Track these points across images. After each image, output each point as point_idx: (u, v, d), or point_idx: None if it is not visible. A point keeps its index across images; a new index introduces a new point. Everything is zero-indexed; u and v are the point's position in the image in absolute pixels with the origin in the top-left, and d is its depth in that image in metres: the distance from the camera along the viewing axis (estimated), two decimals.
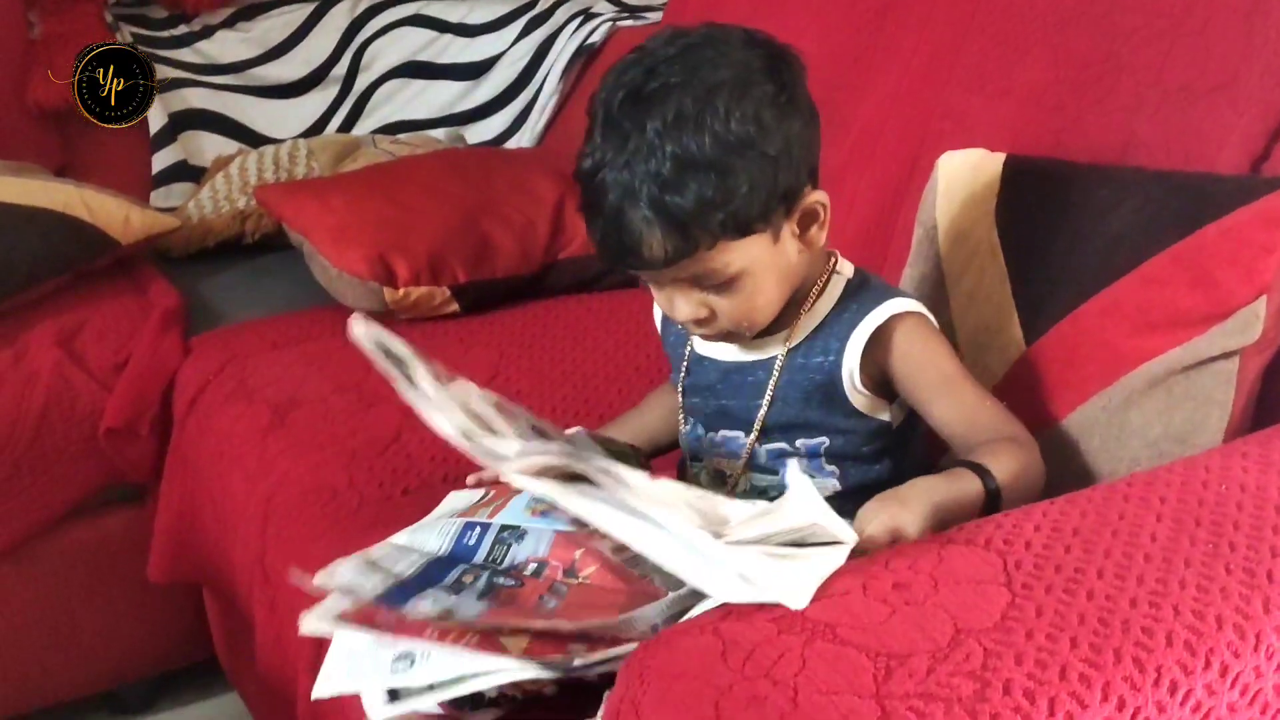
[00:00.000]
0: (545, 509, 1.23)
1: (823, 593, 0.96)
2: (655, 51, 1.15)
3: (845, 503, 1.21)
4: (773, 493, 1.25)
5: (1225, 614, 0.93)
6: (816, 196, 1.20)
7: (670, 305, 1.20)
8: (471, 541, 1.21)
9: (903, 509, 1.05)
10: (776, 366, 1.24)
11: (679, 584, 1.03)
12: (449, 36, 2.78)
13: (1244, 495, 1.07)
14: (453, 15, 2.79)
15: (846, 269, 1.27)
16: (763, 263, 1.17)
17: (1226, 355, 1.20)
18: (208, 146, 2.57)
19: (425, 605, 1.06)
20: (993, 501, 1.11)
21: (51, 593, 1.98)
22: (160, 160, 2.51)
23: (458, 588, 1.11)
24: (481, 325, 1.96)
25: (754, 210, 1.13)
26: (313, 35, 2.74)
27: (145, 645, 2.07)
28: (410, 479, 1.57)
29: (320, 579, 1.09)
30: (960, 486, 1.11)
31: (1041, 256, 1.34)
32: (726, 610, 0.95)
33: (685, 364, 1.33)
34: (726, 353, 1.28)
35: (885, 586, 0.96)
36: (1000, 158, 1.43)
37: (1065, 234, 1.33)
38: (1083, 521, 1.04)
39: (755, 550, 0.96)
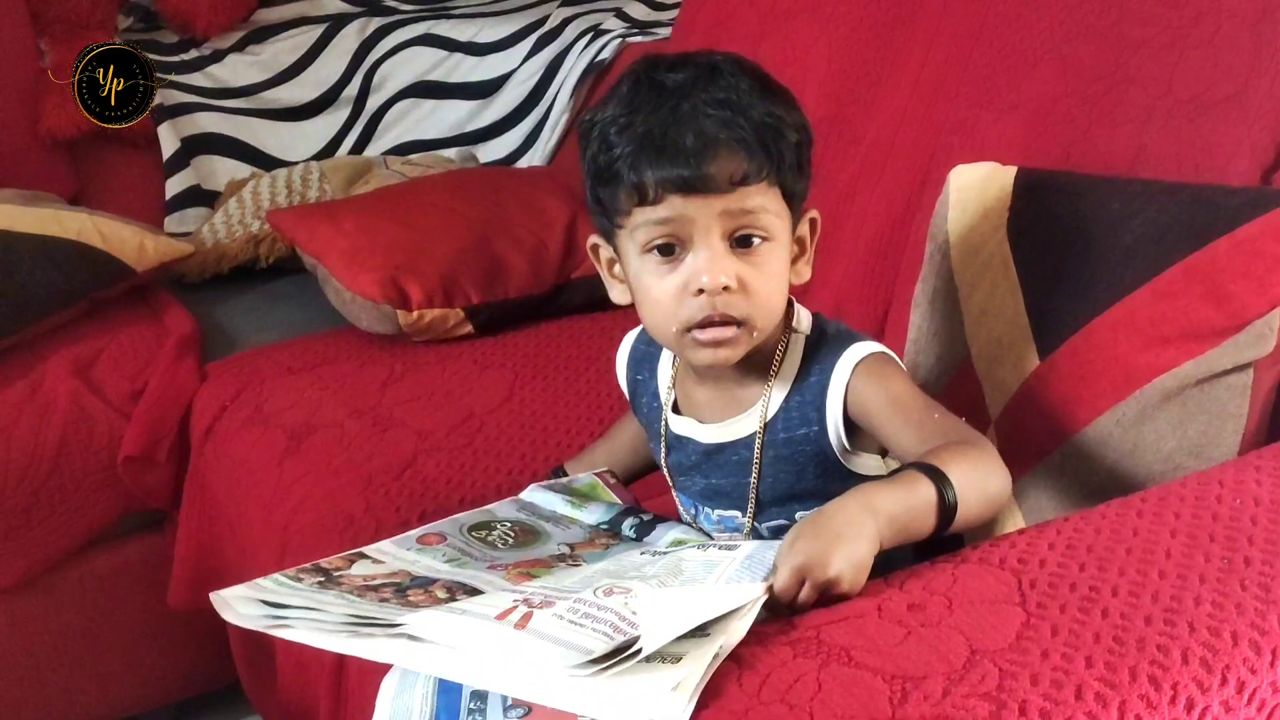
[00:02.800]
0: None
1: (838, 615, 0.97)
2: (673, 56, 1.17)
3: None
4: None
5: (1241, 630, 0.93)
6: (815, 214, 1.20)
7: (696, 265, 1.12)
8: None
9: (812, 541, 1.00)
10: (757, 445, 1.20)
11: None
12: (459, 56, 2.78)
13: (1258, 509, 1.06)
14: (463, 34, 2.79)
15: (804, 324, 1.22)
16: (783, 245, 1.15)
17: (1240, 368, 1.20)
18: (220, 170, 2.58)
19: None
20: (947, 505, 1.04)
21: (73, 621, 1.99)
22: (173, 185, 2.52)
23: (480, 701, 1.05)
24: (495, 346, 1.96)
25: (802, 182, 1.15)
26: (323, 57, 2.75)
27: (167, 672, 2.08)
28: (426, 503, 1.57)
29: None
30: (910, 492, 1.04)
31: (1054, 270, 1.33)
32: (746, 633, 0.96)
33: (664, 443, 1.28)
34: (705, 434, 1.24)
35: (900, 608, 0.96)
36: (1011, 171, 1.43)
37: (1077, 247, 1.32)
38: (1097, 539, 1.04)
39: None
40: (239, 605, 1.08)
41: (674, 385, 1.28)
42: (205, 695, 2.13)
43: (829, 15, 1.85)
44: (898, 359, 1.21)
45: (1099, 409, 1.26)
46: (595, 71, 2.64)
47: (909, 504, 1.03)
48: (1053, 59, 1.50)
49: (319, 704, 1.46)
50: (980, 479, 1.07)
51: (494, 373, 1.87)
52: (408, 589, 1.11)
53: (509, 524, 1.26)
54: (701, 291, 1.12)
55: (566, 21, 2.75)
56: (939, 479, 1.04)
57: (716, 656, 0.93)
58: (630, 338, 1.35)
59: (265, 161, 2.61)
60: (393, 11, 2.83)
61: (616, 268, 1.21)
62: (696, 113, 1.09)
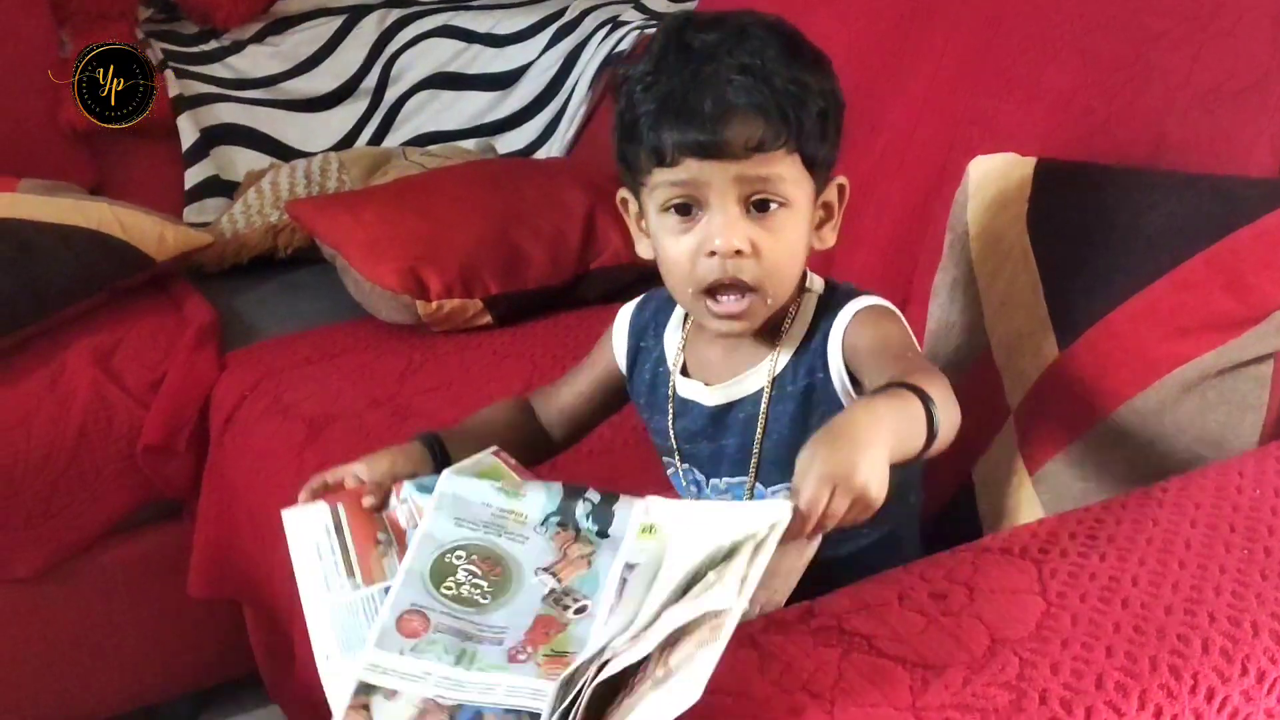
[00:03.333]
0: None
1: (860, 603, 0.97)
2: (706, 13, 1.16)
3: (862, 538, 1.21)
4: None
5: (1261, 620, 0.93)
6: (843, 180, 1.20)
7: (710, 228, 1.12)
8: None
9: (833, 452, 0.92)
10: (765, 398, 1.20)
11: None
12: (478, 47, 2.79)
13: (1279, 499, 1.06)
14: (481, 25, 2.80)
15: (816, 285, 1.23)
16: (802, 212, 1.15)
17: (1261, 359, 1.19)
18: (239, 161, 2.59)
19: None
20: (933, 425, 1.00)
21: (92, 610, 1.99)
22: (193, 176, 2.53)
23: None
24: (514, 337, 1.96)
25: (826, 147, 1.14)
26: (342, 48, 2.75)
27: (186, 661, 2.09)
28: None
29: None
30: (907, 406, 1.00)
31: (1074, 261, 1.33)
32: (765, 622, 0.96)
33: (671, 408, 1.27)
34: (711, 396, 1.23)
35: (921, 597, 0.97)
36: (1031, 162, 1.43)
37: (1098, 238, 1.32)
38: (1117, 529, 1.04)
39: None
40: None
41: (683, 348, 1.27)
42: (224, 684, 2.14)
43: (848, 6, 1.84)
44: (900, 314, 1.20)
45: (1119, 399, 1.25)
46: (613, 63, 2.65)
47: (908, 416, 1.00)
48: (1072, 50, 1.50)
49: None
50: (951, 408, 1.05)
51: (512, 363, 1.88)
52: None
53: (463, 555, 1.11)
54: (715, 254, 1.12)
55: (585, 13, 2.75)
56: (925, 398, 1.01)
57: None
58: (628, 309, 1.34)
59: (284, 152, 2.62)
60: (412, 2, 2.84)
61: (644, 222, 1.22)
62: (718, 77, 1.09)
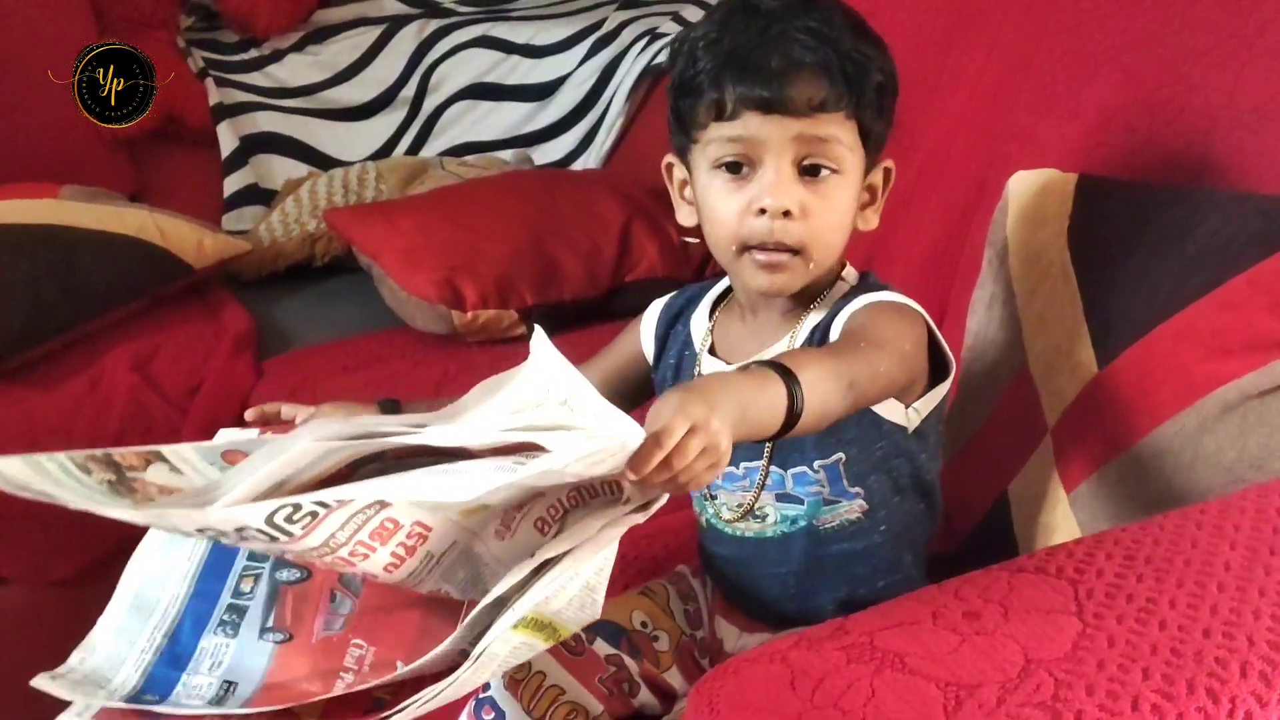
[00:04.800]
0: None
1: (892, 620, 0.96)
2: None
3: (875, 534, 1.21)
4: (802, 521, 1.21)
5: None
6: (889, 164, 1.20)
7: (761, 187, 1.13)
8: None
9: (694, 395, 0.89)
10: None
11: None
12: (516, 58, 2.80)
13: None
14: (520, 37, 2.81)
15: (851, 276, 1.24)
16: (853, 181, 1.15)
17: None
18: (278, 169, 2.61)
19: (195, 700, 0.94)
20: (791, 414, 0.96)
21: None
22: (231, 184, 2.55)
23: (234, 621, 0.98)
24: None
25: (882, 121, 1.15)
26: (381, 58, 2.77)
27: None
28: None
29: (46, 683, 0.96)
30: (761, 384, 0.96)
31: (1114, 278, 1.32)
32: (796, 639, 0.95)
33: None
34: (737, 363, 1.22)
35: (955, 615, 0.96)
36: (1072, 178, 1.42)
37: (1139, 256, 1.31)
38: (1155, 550, 1.03)
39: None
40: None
41: (712, 329, 1.27)
42: None
43: (887, 22, 1.82)
44: (920, 317, 1.17)
45: (1158, 419, 1.24)
46: (651, 75, 2.65)
47: (764, 397, 0.96)
48: (1114, 67, 1.49)
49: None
50: (827, 390, 1.00)
51: None
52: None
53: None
54: (764, 212, 1.13)
55: (623, 25, 2.76)
56: (790, 379, 0.97)
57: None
58: (662, 299, 1.34)
59: (322, 161, 2.64)
60: (451, 13, 2.85)
61: (687, 190, 1.22)
62: (785, 36, 1.10)
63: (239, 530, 0.81)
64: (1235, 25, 1.37)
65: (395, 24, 2.80)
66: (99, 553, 1.94)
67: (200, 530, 0.83)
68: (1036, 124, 1.56)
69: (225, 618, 0.99)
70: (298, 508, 0.79)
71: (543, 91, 2.79)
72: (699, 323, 1.29)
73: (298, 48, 2.74)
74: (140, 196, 2.40)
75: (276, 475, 0.80)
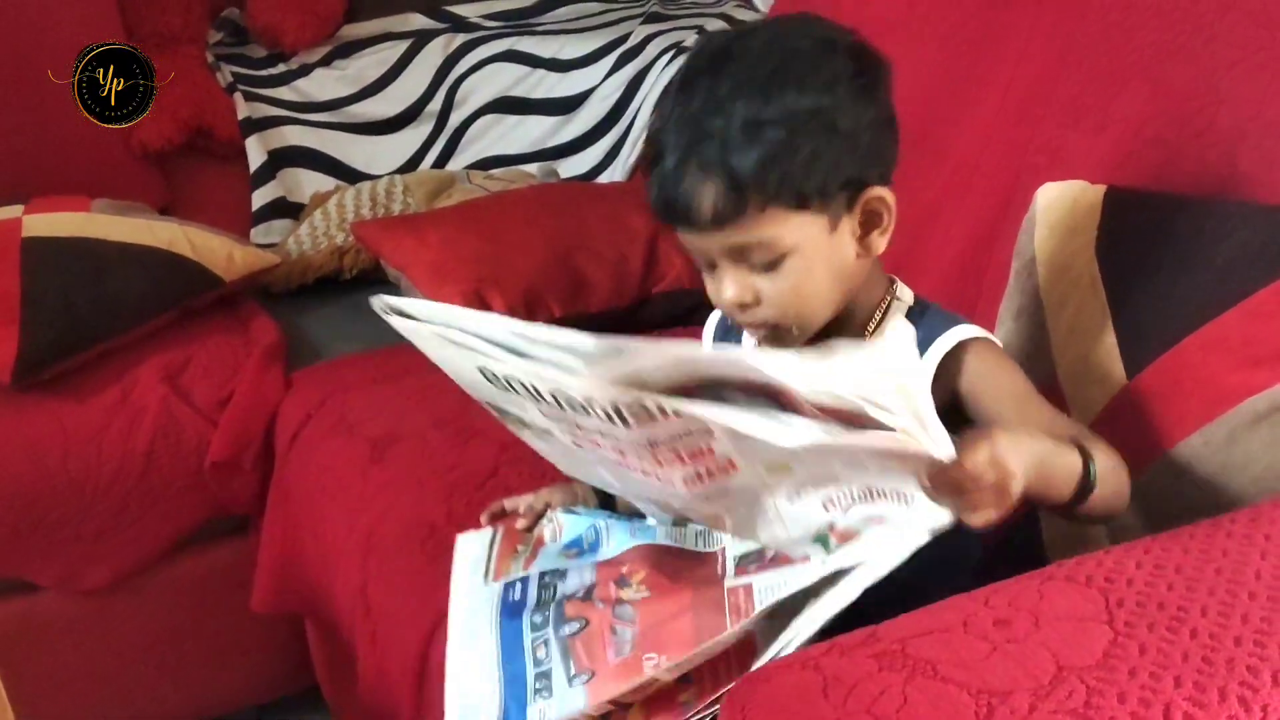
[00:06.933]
0: (578, 552, 1.25)
1: (923, 628, 0.96)
2: (745, 24, 1.15)
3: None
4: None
5: None
6: (882, 193, 1.15)
7: (718, 286, 1.16)
8: (516, 596, 1.23)
9: (1006, 436, 0.97)
10: None
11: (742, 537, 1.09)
12: (541, 72, 2.81)
13: None
14: (545, 51, 2.82)
15: (907, 295, 1.24)
16: (815, 248, 1.13)
17: None
18: (306, 183, 2.62)
19: None
20: (1085, 485, 1.06)
21: (159, 623, 2.02)
22: (260, 197, 2.56)
23: (546, 685, 1.13)
24: None
25: (812, 182, 1.10)
26: (408, 72, 2.78)
27: (249, 675, 2.11)
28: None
29: None
30: (1065, 454, 1.06)
31: (1143, 289, 1.32)
32: (828, 646, 0.96)
33: None
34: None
35: (986, 623, 0.96)
36: (1101, 189, 1.42)
37: (1168, 266, 1.31)
38: (1185, 558, 1.03)
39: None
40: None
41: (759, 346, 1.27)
42: (286, 697, 2.16)
43: (915, 33, 1.84)
44: (999, 343, 1.22)
45: (1188, 429, 1.24)
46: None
47: (1058, 461, 1.05)
48: (1143, 79, 1.49)
49: (400, 709, 1.48)
50: (1115, 486, 1.10)
51: None
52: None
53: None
54: None
55: (648, 39, 2.77)
56: (1086, 456, 1.06)
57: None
58: (718, 311, 1.35)
59: (350, 175, 2.65)
60: (476, 28, 2.86)
61: None
62: (696, 152, 1.10)
63: (586, 400, 0.95)
64: (1264, 37, 1.38)
65: (421, 38, 2.81)
66: (132, 562, 1.96)
67: (553, 395, 0.98)
68: (1065, 136, 1.56)
69: (538, 686, 1.13)
70: (644, 407, 0.93)
71: (568, 105, 2.80)
72: (749, 339, 1.30)
73: (325, 62, 2.75)
74: (170, 210, 2.41)
75: (639, 368, 0.92)
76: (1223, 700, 0.88)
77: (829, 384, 0.88)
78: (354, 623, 1.62)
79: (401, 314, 1.06)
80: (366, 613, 1.59)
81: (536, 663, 1.15)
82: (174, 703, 2.07)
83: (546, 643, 1.16)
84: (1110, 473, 1.09)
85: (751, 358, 0.91)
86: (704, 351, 0.93)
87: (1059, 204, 1.42)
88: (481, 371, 1.02)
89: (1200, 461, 1.24)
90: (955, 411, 1.20)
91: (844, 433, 0.90)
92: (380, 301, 1.08)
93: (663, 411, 0.93)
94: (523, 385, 1.00)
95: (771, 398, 0.92)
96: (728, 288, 1.15)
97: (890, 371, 0.89)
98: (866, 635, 0.97)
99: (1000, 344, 1.22)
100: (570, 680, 1.12)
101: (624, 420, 0.96)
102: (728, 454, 0.99)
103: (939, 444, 0.93)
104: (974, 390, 1.18)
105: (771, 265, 1.13)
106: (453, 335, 1.01)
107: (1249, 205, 1.31)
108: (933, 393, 1.15)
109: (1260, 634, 0.93)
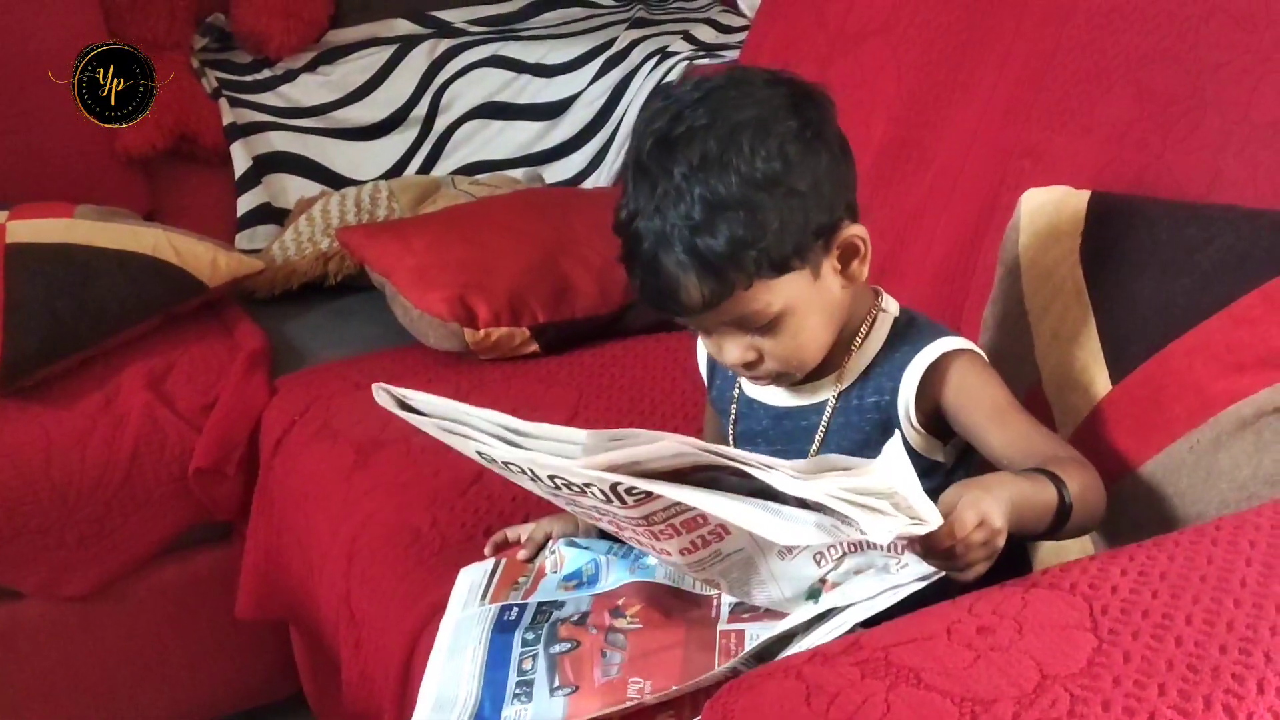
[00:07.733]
0: (577, 584, 1.27)
1: (906, 636, 0.96)
2: (680, 97, 1.16)
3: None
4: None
5: None
6: (855, 230, 1.19)
7: (719, 350, 1.20)
8: (512, 617, 1.24)
9: (987, 495, 1.01)
10: (829, 409, 1.24)
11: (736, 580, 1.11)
12: (527, 77, 2.80)
13: None
14: (530, 56, 2.81)
15: (892, 306, 1.27)
16: (805, 300, 1.17)
17: None
18: (291, 188, 2.61)
19: None
20: (1062, 513, 1.09)
21: (142, 630, 2.01)
22: (245, 203, 2.55)
23: (526, 691, 1.14)
24: (561, 365, 1.97)
25: (787, 247, 1.13)
26: (393, 78, 2.77)
27: (233, 681, 2.10)
28: (492, 519, 1.58)
29: None
30: (1039, 490, 1.08)
31: (1127, 295, 1.32)
32: (810, 654, 0.95)
33: (734, 408, 1.32)
34: (777, 397, 1.28)
35: (969, 631, 0.96)
36: (1085, 195, 1.42)
37: (1152, 272, 1.31)
38: (1170, 566, 1.02)
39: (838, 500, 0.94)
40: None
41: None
42: (269, 704, 2.15)
43: (899, 37, 1.84)
44: (983, 355, 1.24)
45: (1172, 435, 1.24)
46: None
47: (1035, 500, 1.07)
48: (1127, 83, 1.49)
49: (384, 715, 1.47)
50: (1091, 505, 1.12)
51: (559, 391, 1.88)
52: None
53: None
54: None
55: (634, 44, 2.76)
56: (1065, 507, 1.08)
57: None
58: None
59: (335, 180, 2.64)
60: (462, 33, 2.86)
61: None
62: (669, 242, 1.12)
63: (584, 484, 0.98)
64: (1250, 41, 1.38)
65: (406, 44, 2.80)
66: (115, 568, 1.95)
67: (551, 477, 1.00)
68: (1049, 140, 1.56)
69: (517, 691, 1.15)
70: (636, 489, 0.97)
71: (553, 110, 2.79)
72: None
73: (310, 68, 2.74)
74: (155, 216, 2.40)
75: (635, 458, 0.95)
76: (1208, 708, 0.87)
77: (820, 497, 0.92)
78: (338, 629, 1.62)
79: (404, 405, 1.09)
80: (350, 619, 1.59)
81: (521, 672, 1.17)
82: (158, 710, 2.06)
83: (535, 657, 1.17)
84: (1084, 493, 1.11)
85: (742, 460, 0.95)
86: (699, 445, 0.94)
87: (1043, 210, 1.42)
88: (480, 455, 1.05)
89: (1185, 468, 1.24)
90: (939, 420, 1.22)
91: (835, 527, 0.95)
92: (383, 394, 1.09)
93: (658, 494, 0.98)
94: (519, 469, 1.03)
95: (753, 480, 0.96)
96: (730, 352, 1.19)
97: (881, 493, 0.94)
98: (849, 643, 0.97)
99: (984, 354, 1.24)
100: (552, 691, 1.13)
101: (621, 499, 1.00)
102: (719, 520, 1.02)
103: (927, 513, 0.96)
104: (956, 403, 1.20)
105: (768, 328, 1.17)
106: (450, 426, 1.05)
107: (1233, 210, 1.31)
108: (916, 404, 1.18)
109: (1245, 641, 0.93)
